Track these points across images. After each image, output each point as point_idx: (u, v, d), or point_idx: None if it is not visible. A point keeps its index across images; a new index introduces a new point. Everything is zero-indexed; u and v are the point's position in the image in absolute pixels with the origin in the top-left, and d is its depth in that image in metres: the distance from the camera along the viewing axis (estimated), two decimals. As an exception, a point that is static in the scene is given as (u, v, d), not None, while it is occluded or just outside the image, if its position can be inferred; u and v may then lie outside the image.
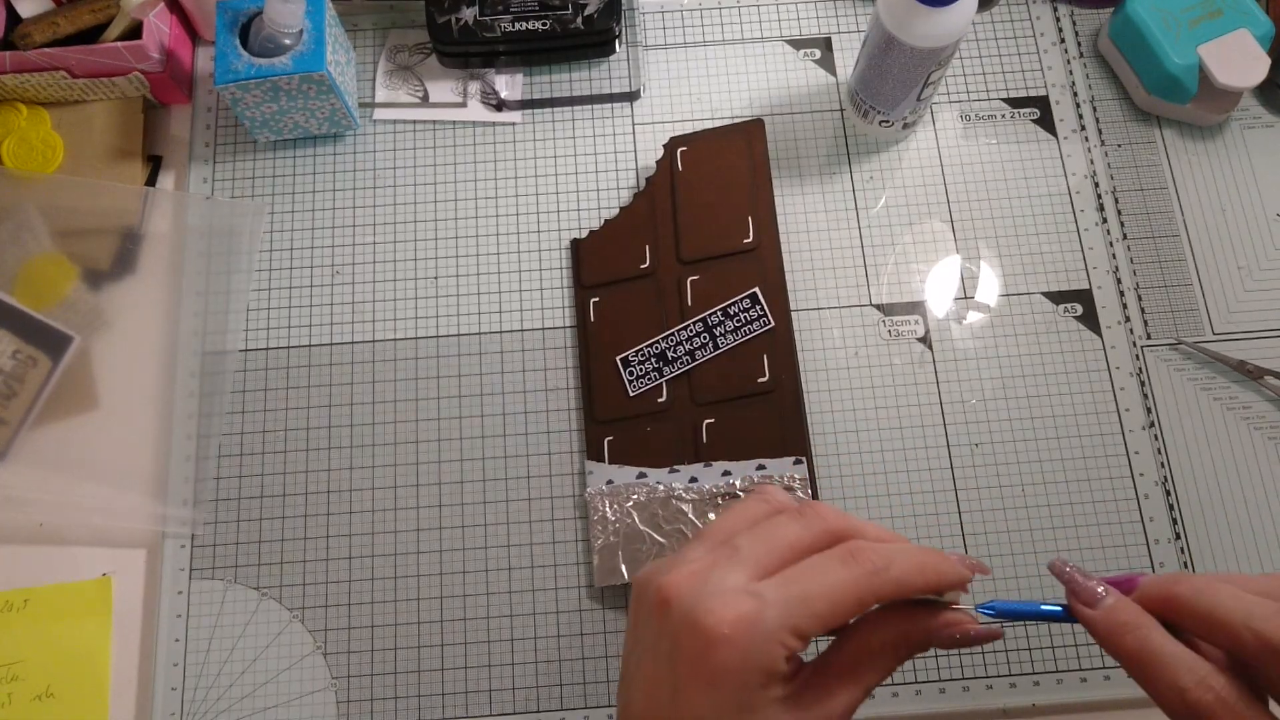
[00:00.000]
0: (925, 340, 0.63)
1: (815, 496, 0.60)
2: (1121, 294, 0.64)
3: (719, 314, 0.61)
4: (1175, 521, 0.60)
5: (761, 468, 0.58)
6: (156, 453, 0.62)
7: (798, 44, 0.71)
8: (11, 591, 0.59)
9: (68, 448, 0.61)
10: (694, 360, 0.61)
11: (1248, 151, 0.67)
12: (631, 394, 0.61)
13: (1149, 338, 0.63)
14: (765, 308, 0.61)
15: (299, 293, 0.65)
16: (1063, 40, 0.70)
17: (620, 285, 0.63)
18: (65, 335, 0.62)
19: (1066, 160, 0.67)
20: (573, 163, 0.67)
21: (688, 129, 0.68)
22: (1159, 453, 0.61)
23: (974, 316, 0.64)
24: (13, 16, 0.64)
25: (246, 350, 0.64)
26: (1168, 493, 0.60)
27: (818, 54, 0.70)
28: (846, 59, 0.70)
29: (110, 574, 0.60)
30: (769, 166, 0.65)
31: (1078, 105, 0.69)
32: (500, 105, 0.69)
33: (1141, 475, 0.61)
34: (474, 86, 0.69)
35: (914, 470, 0.61)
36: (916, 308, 0.64)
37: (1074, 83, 0.69)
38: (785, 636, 0.37)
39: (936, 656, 0.57)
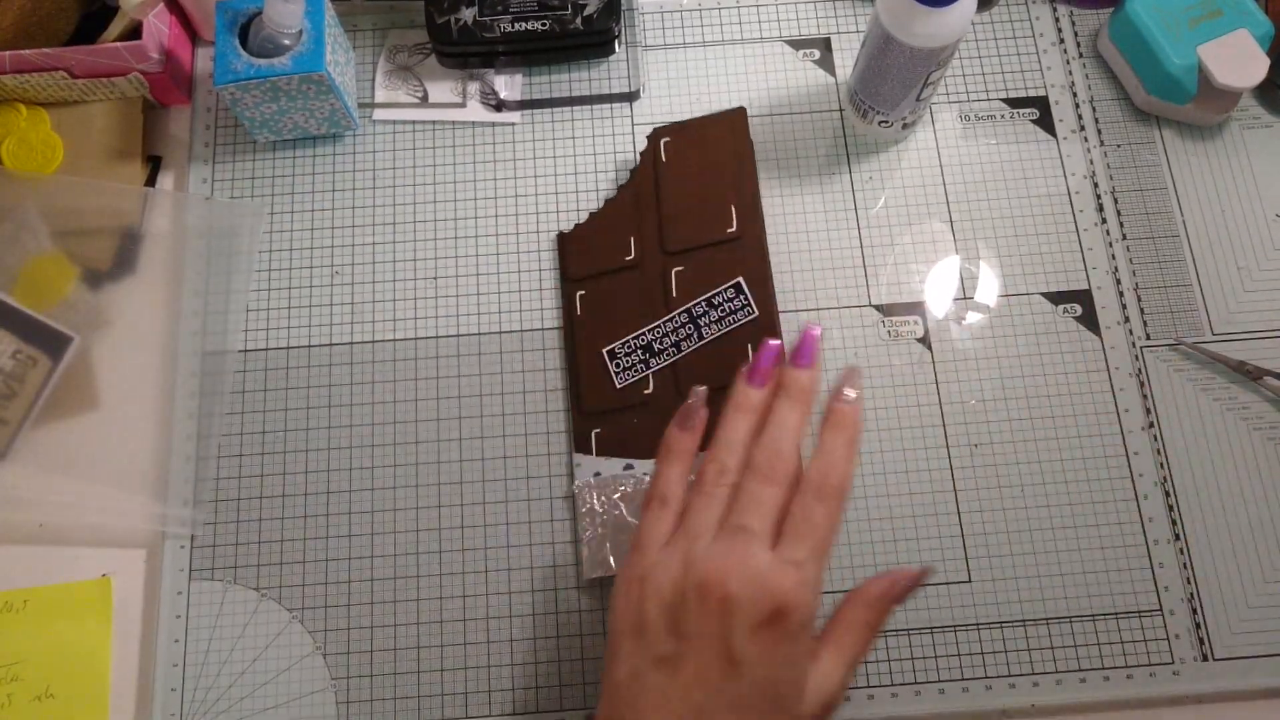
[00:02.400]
0: (925, 341, 0.63)
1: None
2: (1121, 294, 0.64)
3: (703, 304, 0.61)
4: (1175, 522, 0.60)
5: None
6: (156, 453, 0.62)
7: (797, 44, 0.71)
8: (11, 592, 0.59)
9: (68, 448, 0.62)
10: (679, 351, 0.61)
11: (1247, 152, 0.67)
12: (618, 386, 0.61)
13: (1148, 338, 0.63)
14: (749, 297, 0.61)
15: (299, 293, 0.65)
16: (1062, 40, 0.70)
17: (606, 277, 0.64)
18: (65, 335, 0.62)
19: (1066, 160, 0.67)
20: (572, 163, 0.68)
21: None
22: (1158, 453, 0.61)
23: (973, 317, 0.64)
24: None
25: (246, 350, 0.64)
26: (1167, 493, 0.60)
27: (817, 54, 0.70)
28: (846, 59, 0.70)
29: (110, 574, 0.60)
30: (753, 155, 0.65)
31: (1077, 105, 0.69)
32: (500, 105, 0.69)
33: (1141, 475, 0.61)
34: (473, 87, 0.69)
35: (914, 470, 0.61)
36: (916, 308, 0.64)
37: (1073, 83, 0.69)
38: (818, 588, 0.44)
39: (936, 657, 0.57)
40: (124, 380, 0.63)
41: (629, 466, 0.59)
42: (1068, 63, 0.70)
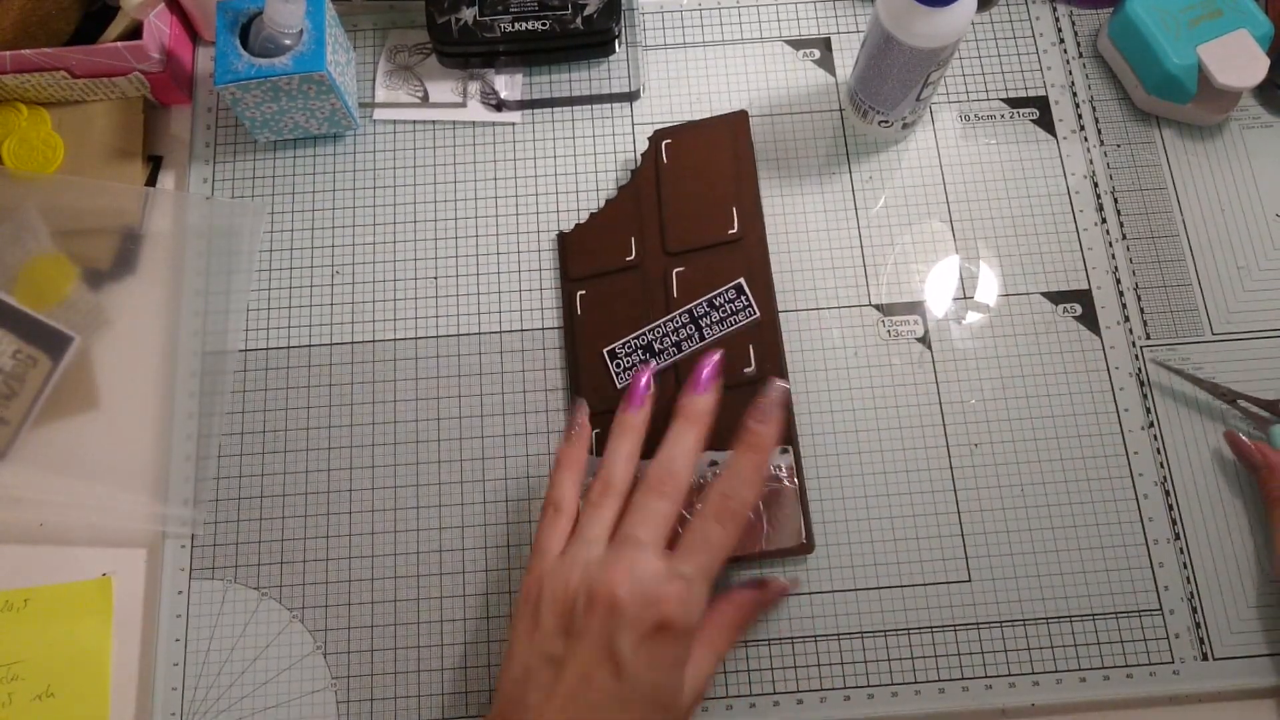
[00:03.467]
0: (924, 340, 0.63)
1: (803, 494, 0.60)
2: (1121, 294, 0.64)
3: (704, 305, 0.61)
4: (1174, 521, 0.60)
5: None
6: (156, 453, 0.62)
7: (797, 44, 0.71)
8: (11, 591, 0.59)
9: (68, 448, 0.62)
10: (680, 352, 0.61)
11: (1247, 152, 0.67)
12: (619, 386, 0.61)
13: (1148, 338, 0.63)
14: (751, 298, 0.61)
15: (299, 293, 0.65)
16: (1062, 40, 0.70)
17: (606, 277, 0.64)
18: (65, 335, 0.62)
19: (1066, 160, 0.67)
20: (573, 163, 0.68)
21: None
22: (1158, 453, 0.61)
23: (973, 316, 0.64)
24: None
25: (246, 350, 0.64)
26: (1167, 493, 0.60)
27: (817, 54, 0.70)
28: (846, 59, 0.70)
29: (110, 574, 0.60)
30: (753, 157, 0.65)
31: (1077, 105, 0.69)
32: (500, 105, 0.69)
33: (1141, 475, 0.61)
34: (474, 86, 0.69)
35: (914, 470, 0.61)
36: (916, 308, 0.64)
37: (1073, 83, 0.69)
38: (703, 602, 0.48)
39: (936, 656, 0.57)
40: (124, 380, 0.63)
41: None
42: (1068, 63, 0.70)
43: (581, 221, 0.66)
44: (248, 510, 0.61)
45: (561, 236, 0.65)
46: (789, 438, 0.59)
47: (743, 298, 0.61)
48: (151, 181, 0.67)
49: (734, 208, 0.63)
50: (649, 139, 0.66)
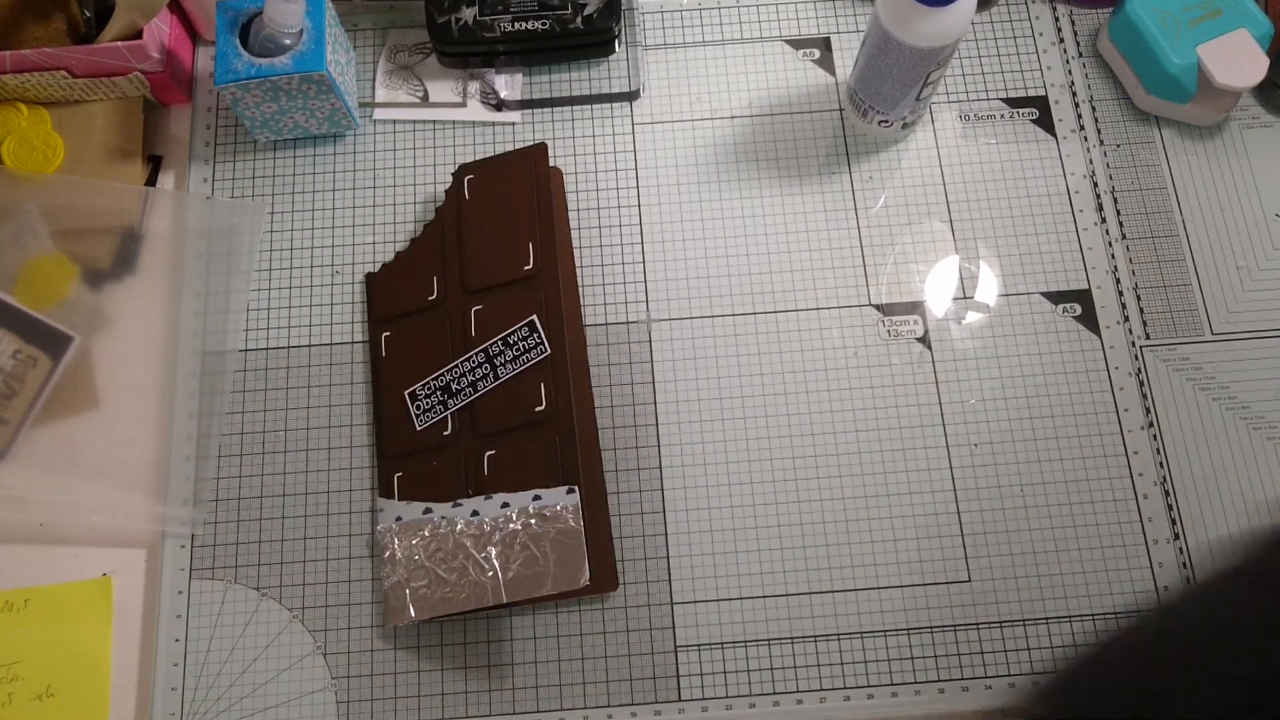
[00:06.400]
0: (924, 340, 0.63)
1: (605, 532, 0.59)
2: (1120, 294, 0.64)
3: (499, 344, 0.60)
4: (1174, 522, 0.60)
5: (537, 498, 0.57)
6: (156, 453, 0.62)
7: (797, 44, 0.71)
8: (11, 591, 0.59)
9: (68, 448, 0.62)
10: (476, 391, 0.60)
11: (1247, 151, 0.67)
12: (419, 428, 0.60)
13: (1148, 338, 0.63)
14: (543, 335, 0.60)
15: (299, 293, 0.65)
16: (1062, 40, 0.70)
17: (410, 318, 0.63)
18: (65, 335, 0.62)
19: (1065, 160, 0.67)
20: (573, 163, 0.68)
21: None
22: (1158, 453, 0.61)
23: (973, 316, 0.64)
24: None
25: (246, 350, 0.64)
26: (1166, 493, 0.60)
27: (817, 54, 0.70)
28: (846, 59, 0.70)
29: (110, 574, 0.60)
30: (550, 191, 0.63)
31: (1077, 105, 0.69)
32: (500, 105, 0.69)
33: (1140, 475, 0.61)
34: (474, 86, 0.69)
35: (914, 470, 0.61)
36: (915, 308, 0.64)
37: (1073, 83, 0.69)
38: None
39: (936, 657, 0.57)
40: (124, 380, 0.63)
41: (428, 510, 0.58)
42: (1067, 62, 0.70)
43: (389, 262, 0.65)
44: (248, 510, 0.61)
45: (369, 278, 0.65)
46: (577, 478, 0.57)
47: (535, 335, 0.60)
48: (151, 181, 0.67)
49: (530, 243, 0.62)
50: (453, 174, 0.65)
